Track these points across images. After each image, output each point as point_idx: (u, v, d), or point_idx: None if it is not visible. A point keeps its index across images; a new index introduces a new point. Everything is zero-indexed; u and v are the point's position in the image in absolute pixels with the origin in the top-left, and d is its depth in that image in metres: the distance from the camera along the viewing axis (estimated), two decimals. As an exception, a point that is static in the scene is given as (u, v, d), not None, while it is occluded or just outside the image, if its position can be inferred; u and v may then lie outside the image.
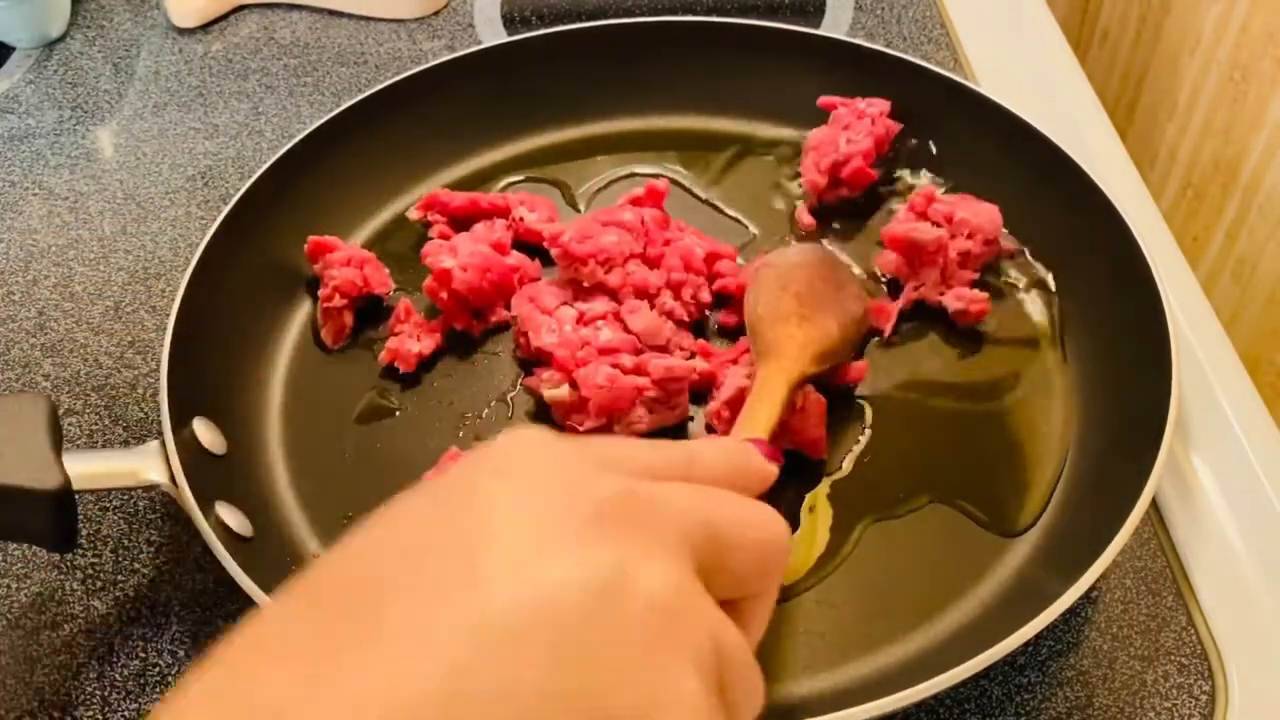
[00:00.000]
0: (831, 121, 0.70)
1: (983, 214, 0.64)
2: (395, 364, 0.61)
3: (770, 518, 0.32)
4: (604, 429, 0.56)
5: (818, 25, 0.85)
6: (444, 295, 0.62)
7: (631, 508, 0.28)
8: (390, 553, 0.27)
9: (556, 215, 0.68)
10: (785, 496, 0.55)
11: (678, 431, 0.58)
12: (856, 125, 0.69)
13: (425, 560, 0.26)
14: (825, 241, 0.67)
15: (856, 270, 0.65)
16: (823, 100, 0.71)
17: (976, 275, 0.64)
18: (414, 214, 0.68)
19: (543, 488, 0.28)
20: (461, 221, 0.68)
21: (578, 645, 0.25)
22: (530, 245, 0.66)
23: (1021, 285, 0.64)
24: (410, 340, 0.62)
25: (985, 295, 0.62)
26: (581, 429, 0.56)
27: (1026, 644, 0.45)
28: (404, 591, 0.25)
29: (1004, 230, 0.65)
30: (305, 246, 0.64)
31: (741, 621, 0.31)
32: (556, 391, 0.57)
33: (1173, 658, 0.52)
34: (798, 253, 0.62)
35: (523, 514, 0.27)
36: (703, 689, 0.26)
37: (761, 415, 0.50)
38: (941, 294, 0.63)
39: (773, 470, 0.37)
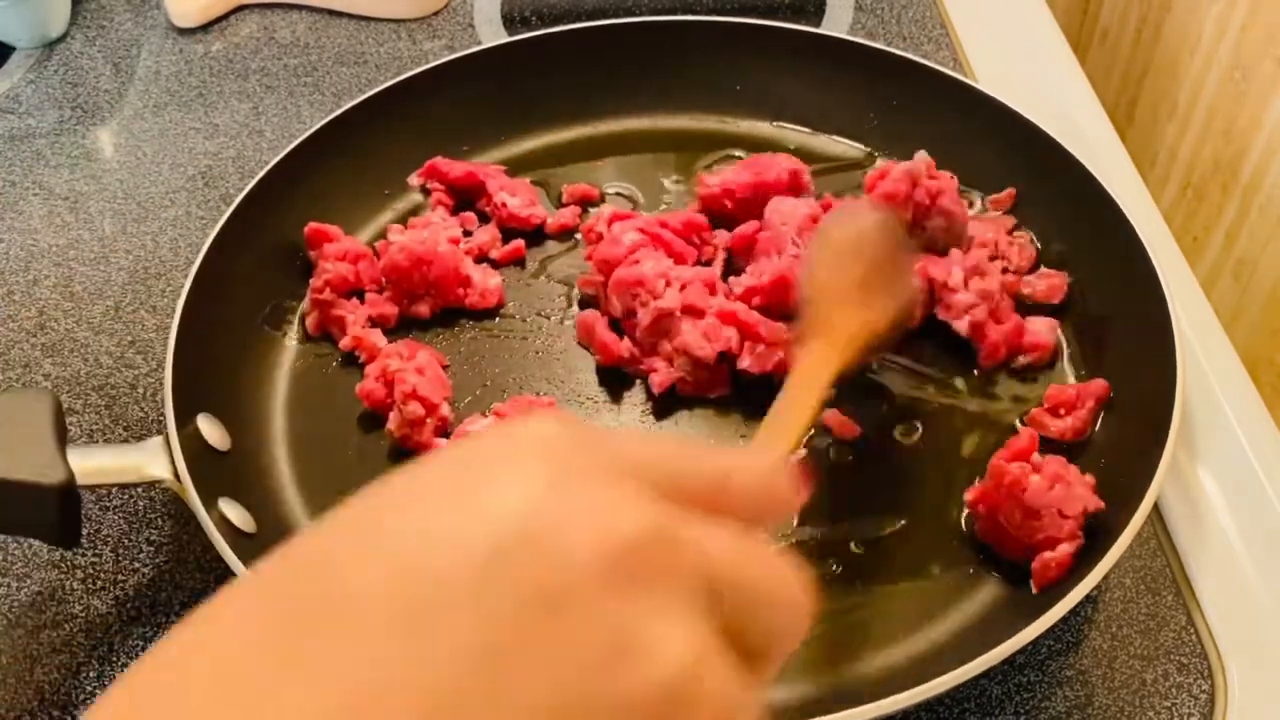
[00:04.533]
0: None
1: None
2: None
3: (799, 585, 0.27)
4: None
5: (818, 25, 0.85)
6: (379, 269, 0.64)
7: (660, 554, 0.24)
8: (352, 574, 0.23)
9: (537, 200, 0.70)
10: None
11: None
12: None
13: (401, 580, 0.23)
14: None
15: None
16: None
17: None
18: (414, 180, 0.70)
19: (562, 492, 0.24)
20: (460, 192, 0.70)
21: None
22: (516, 230, 0.68)
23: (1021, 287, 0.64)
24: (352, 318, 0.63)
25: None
26: None
27: (1026, 644, 0.45)
28: (345, 640, 0.22)
29: (1012, 233, 0.65)
30: (304, 230, 0.65)
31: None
32: None
33: (1173, 658, 0.52)
34: (867, 219, 0.55)
35: (533, 524, 0.23)
36: None
37: (802, 407, 0.44)
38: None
39: (798, 503, 0.32)
